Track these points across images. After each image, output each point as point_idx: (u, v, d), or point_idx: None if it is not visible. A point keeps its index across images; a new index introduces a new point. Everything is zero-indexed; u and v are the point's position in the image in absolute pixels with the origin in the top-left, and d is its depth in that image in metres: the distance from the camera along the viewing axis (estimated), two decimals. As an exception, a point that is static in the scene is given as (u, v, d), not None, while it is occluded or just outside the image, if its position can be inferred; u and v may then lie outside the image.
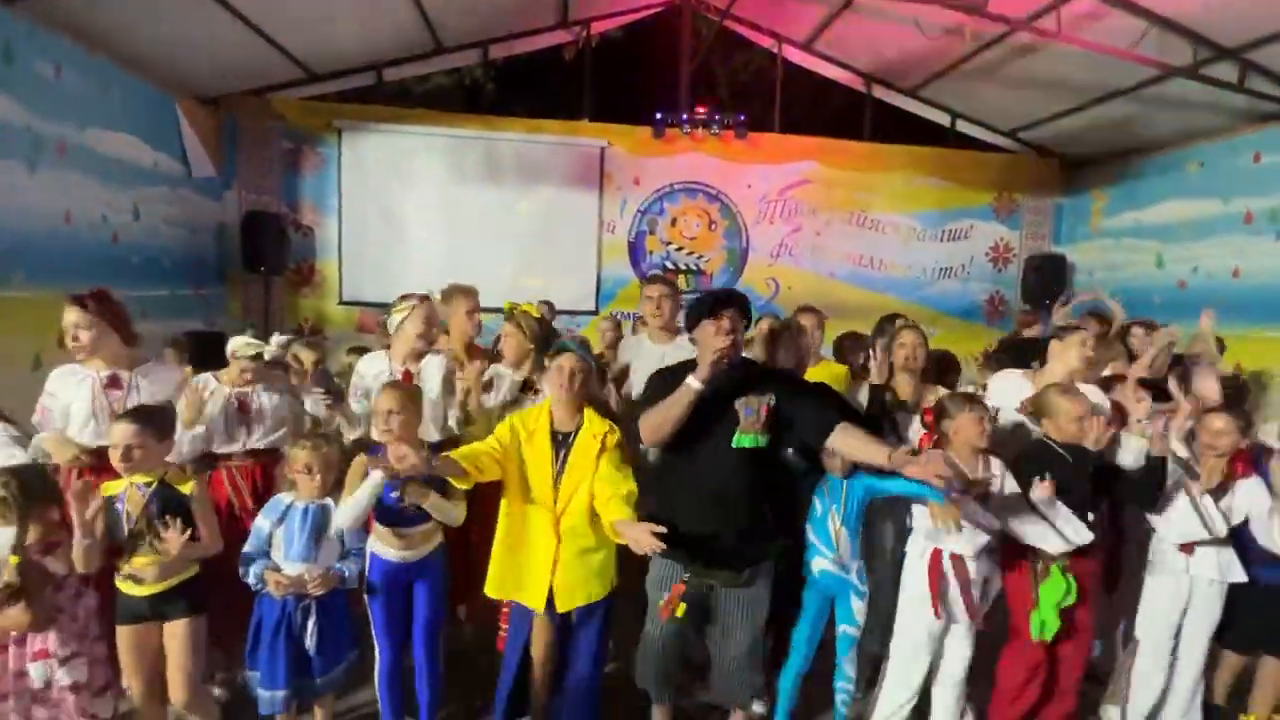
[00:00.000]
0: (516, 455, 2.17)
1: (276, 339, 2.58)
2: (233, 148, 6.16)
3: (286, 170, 6.32)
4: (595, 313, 6.86)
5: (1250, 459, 2.47)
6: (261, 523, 2.13)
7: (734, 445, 2.05)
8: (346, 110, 6.47)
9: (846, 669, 2.43)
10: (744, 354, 2.22)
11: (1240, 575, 2.39)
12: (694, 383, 1.96)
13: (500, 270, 6.65)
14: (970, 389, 2.85)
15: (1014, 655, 2.42)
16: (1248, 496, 2.40)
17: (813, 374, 2.82)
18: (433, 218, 6.61)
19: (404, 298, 2.70)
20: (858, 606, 2.35)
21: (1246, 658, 2.56)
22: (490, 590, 2.25)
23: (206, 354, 3.27)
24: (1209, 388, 2.69)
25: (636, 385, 2.84)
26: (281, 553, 2.10)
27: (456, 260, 6.63)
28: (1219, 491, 2.38)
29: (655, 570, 2.21)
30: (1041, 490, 2.21)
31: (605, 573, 2.23)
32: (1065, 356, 2.59)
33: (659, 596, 2.15)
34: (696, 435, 2.06)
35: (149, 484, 2.07)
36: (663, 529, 1.91)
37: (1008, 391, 2.65)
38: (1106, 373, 3.01)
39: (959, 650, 2.35)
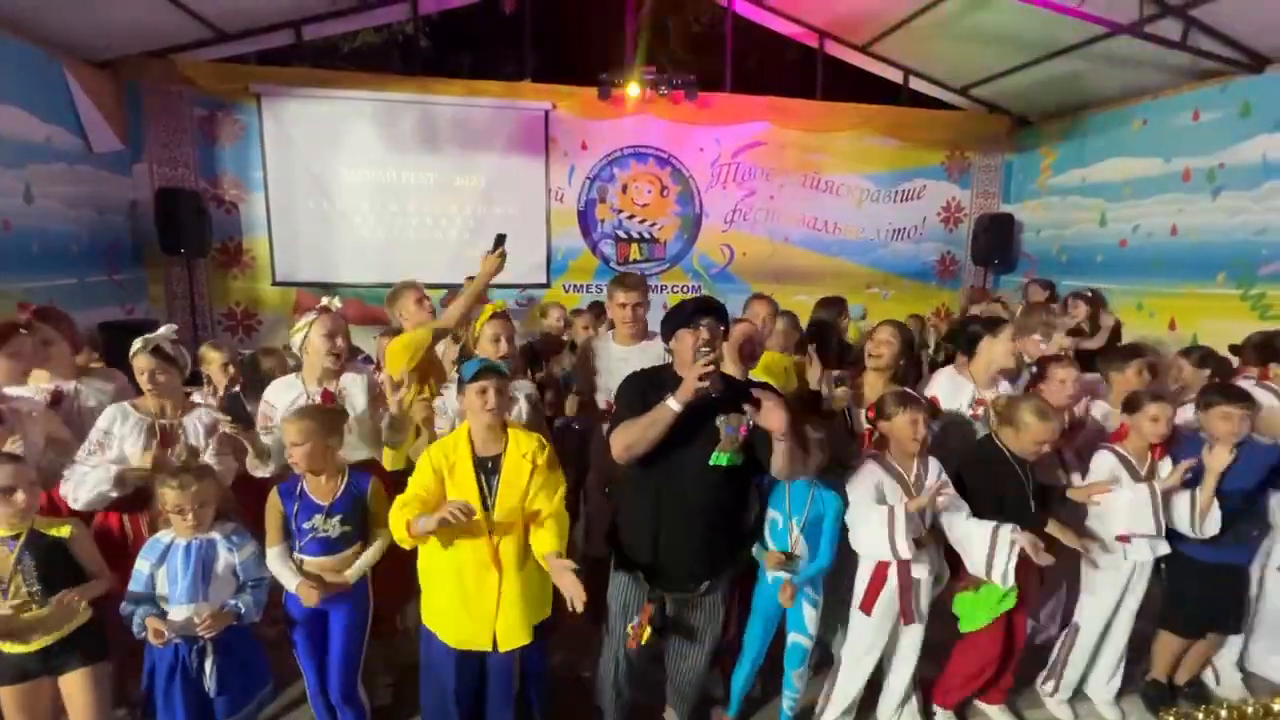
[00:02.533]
0: (440, 493, 2.01)
1: (166, 328, 2.32)
2: (138, 117, 5.62)
3: (201, 141, 5.82)
4: (547, 285, 6.66)
5: (1165, 442, 2.50)
6: (141, 565, 1.92)
7: (711, 463, 1.97)
8: (265, 73, 5.94)
9: (795, 683, 2.40)
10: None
11: (1165, 548, 2.46)
12: (674, 404, 1.87)
13: (444, 243, 6.38)
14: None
15: (970, 646, 2.44)
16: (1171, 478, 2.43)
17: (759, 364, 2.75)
18: (368, 188, 6.22)
19: (304, 315, 2.49)
20: (809, 614, 2.32)
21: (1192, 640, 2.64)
22: (428, 622, 2.12)
23: (125, 346, 2.97)
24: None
25: (608, 387, 2.74)
26: (166, 595, 1.91)
27: (396, 234, 6.32)
28: (1149, 473, 2.42)
29: (616, 590, 2.14)
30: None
31: (547, 596, 2.12)
32: (993, 351, 2.62)
33: (622, 622, 2.10)
34: (672, 450, 1.96)
35: (15, 536, 1.85)
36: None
37: (944, 389, 2.63)
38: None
39: (910, 646, 2.36)
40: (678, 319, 2.04)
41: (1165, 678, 2.68)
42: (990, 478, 2.33)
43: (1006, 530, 2.18)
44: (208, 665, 1.92)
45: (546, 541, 1.98)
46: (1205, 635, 2.62)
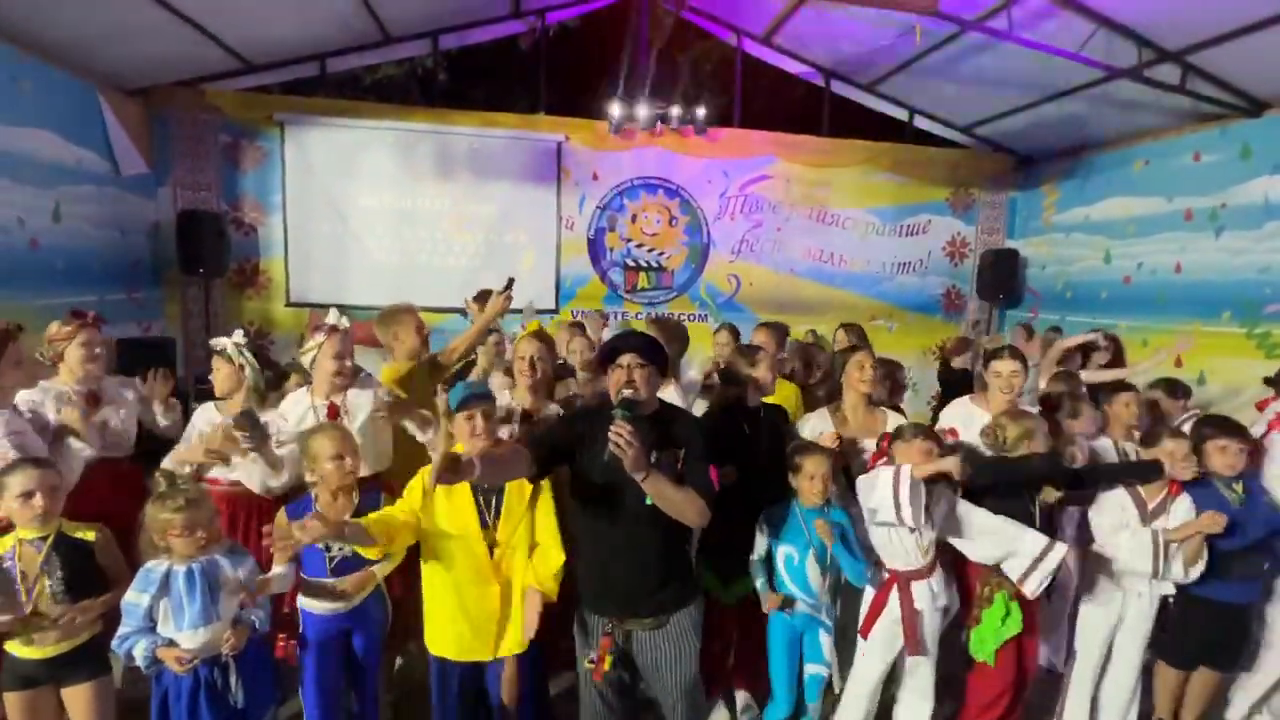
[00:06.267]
0: (431, 512, 2.02)
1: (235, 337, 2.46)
2: (165, 142, 5.81)
3: (225, 166, 6.00)
4: (555, 311, 6.74)
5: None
6: (138, 598, 1.84)
7: (646, 501, 1.84)
8: (289, 103, 6.16)
9: (814, 716, 2.36)
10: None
11: (1168, 588, 2.44)
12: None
13: (456, 269, 6.50)
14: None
15: (981, 675, 2.40)
16: (1180, 518, 2.41)
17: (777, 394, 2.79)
18: (384, 214, 6.38)
19: (315, 331, 2.53)
20: (825, 642, 2.30)
21: (1186, 672, 2.61)
22: (432, 647, 2.12)
23: (141, 363, 3.05)
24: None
25: None
26: (172, 625, 1.85)
27: (410, 258, 6.45)
28: (1158, 510, 2.42)
29: (579, 620, 2.12)
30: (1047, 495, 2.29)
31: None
32: (996, 381, 2.67)
33: (585, 652, 2.07)
34: (612, 485, 1.89)
35: (44, 538, 1.88)
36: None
37: (959, 419, 2.68)
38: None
39: (917, 691, 2.33)
40: (602, 357, 2.01)
41: (1170, 717, 2.63)
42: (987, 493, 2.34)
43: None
44: (233, 680, 1.90)
45: (533, 573, 2.04)
46: (1197, 668, 2.58)
